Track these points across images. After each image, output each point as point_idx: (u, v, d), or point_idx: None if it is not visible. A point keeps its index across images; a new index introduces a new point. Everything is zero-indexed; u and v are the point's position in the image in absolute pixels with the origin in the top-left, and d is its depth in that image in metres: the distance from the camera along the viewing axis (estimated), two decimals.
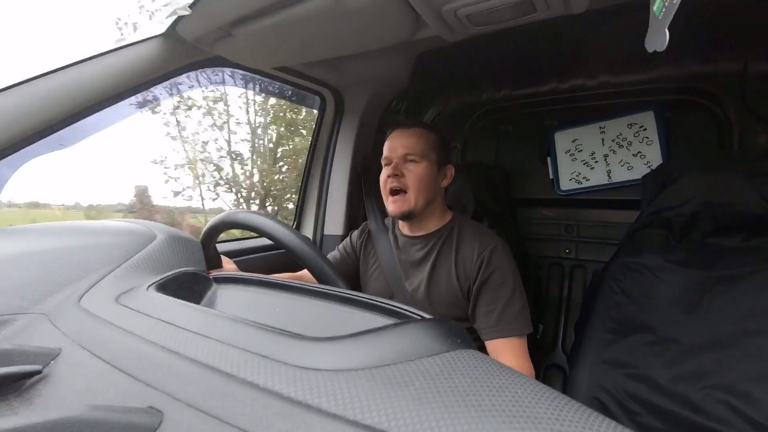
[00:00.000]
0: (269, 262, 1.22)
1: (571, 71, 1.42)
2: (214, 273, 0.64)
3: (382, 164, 1.03)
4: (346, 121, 1.43)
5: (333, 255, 1.19)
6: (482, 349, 0.91)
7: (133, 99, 0.88)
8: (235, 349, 0.34)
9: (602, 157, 1.46)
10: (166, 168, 3.24)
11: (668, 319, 0.84)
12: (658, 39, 0.54)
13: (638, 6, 0.60)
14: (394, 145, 1.00)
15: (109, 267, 0.55)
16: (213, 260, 0.78)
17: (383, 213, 1.20)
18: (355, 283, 1.17)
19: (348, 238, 1.20)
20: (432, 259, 0.99)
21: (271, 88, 1.49)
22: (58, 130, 0.77)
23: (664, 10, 0.52)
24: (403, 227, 1.08)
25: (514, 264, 0.94)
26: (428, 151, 0.98)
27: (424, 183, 0.96)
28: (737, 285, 0.80)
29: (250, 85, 1.37)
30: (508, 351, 0.87)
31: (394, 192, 0.97)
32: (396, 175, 0.96)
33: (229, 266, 0.85)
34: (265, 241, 1.28)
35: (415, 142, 0.98)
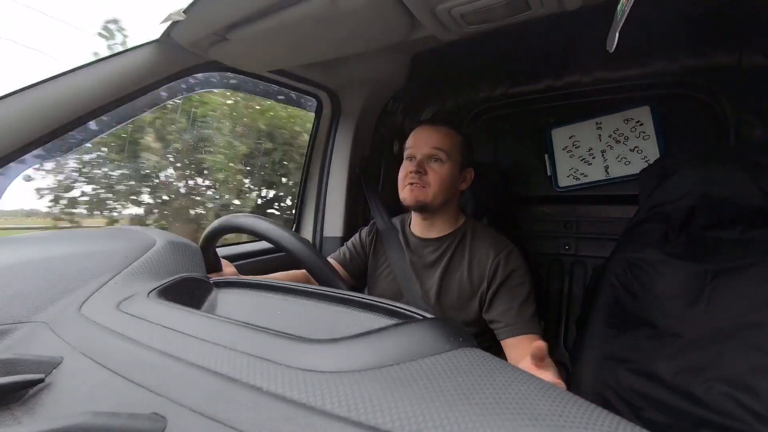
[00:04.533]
0: (269, 266, 1.22)
1: (567, 68, 1.42)
2: (214, 277, 0.64)
3: (404, 158, 1.01)
4: (343, 123, 1.43)
5: (342, 252, 1.16)
6: (486, 350, 0.91)
7: None
8: (238, 353, 0.34)
9: (599, 152, 1.46)
10: None
11: (669, 312, 0.84)
12: (611, 39, 0.56)
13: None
14: (420, 142, 0.97)
15: (109, 274, 0.55)
16: (213, 264, 0.78)
17: (389, 213, 1.19)
18: (365, 281, 1.15)
19: (357, 236, 1.18)
20: (445, 262, 0.98)
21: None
22: (55, 139, 0.77)
23: (621, 13, 0.54)
24: (415, 228, 1.06)
25: (528, 268, 0.94)
26: (454, 153, 0.97)
27: (445, 184, 0.95)
28: (737, 277, 0.80)
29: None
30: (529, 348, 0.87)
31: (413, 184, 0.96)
32: (419, 172, 0.95)
33: (228, 269, 0.85)
34: (264, 245, 1.28)
35: (442, 142, 0.96)
